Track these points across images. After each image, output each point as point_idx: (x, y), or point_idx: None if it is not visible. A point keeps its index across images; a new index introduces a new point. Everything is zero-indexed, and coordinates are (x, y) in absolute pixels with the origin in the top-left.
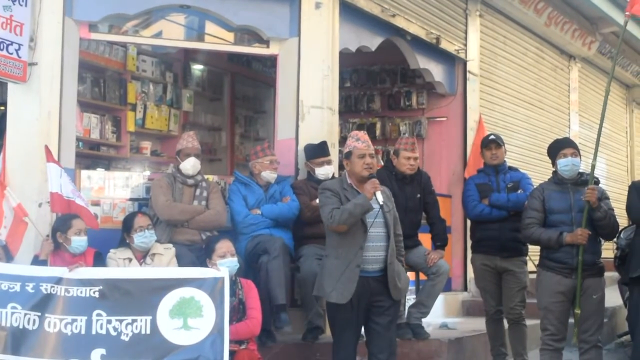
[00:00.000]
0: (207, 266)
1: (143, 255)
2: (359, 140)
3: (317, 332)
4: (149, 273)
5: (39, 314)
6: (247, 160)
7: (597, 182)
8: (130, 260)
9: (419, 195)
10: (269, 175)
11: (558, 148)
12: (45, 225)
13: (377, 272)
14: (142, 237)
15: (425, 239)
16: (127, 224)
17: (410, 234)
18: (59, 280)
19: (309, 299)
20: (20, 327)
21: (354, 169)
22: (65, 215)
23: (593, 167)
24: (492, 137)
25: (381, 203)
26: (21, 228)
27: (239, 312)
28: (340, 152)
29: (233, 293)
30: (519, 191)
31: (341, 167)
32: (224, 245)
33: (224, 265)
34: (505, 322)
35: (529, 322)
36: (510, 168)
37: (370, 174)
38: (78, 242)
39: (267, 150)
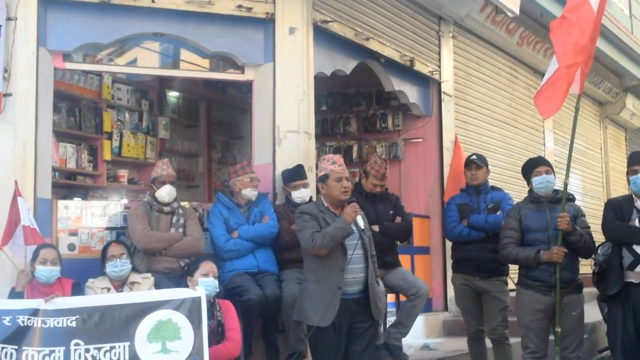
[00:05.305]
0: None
1: (121, 284)
2: (336, 164)
3: (299, 358)
4: (124, 298)
5: (16, 347)
6: (225, 183)
7: (572, 199)
8: (108, 289)
9: (391, 212)
10: (249, 192)
11: (532, 167)
12: (21, 257)
13: (357, 294)
14: (113, 267)
15: (405, 260)
16: (103, 253)
17: (388, 253)
18: (35, 312)
19: (290, 324)
20: None
21: (331, 192)
22: (39, 245)
23: (566, 185)
24: (473, 157)
25: (362, 227)
26: None
27: (217, 334)
28: (317, 175)
29: (211, 315)
30: (498, 212)
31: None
32: (209, 266)
33: (205, 284)
34: (487, 341)
35: (510, 340)
36: (493, 188)
37: (347, 198)
38: (41, 271)
39: (246, 168)
